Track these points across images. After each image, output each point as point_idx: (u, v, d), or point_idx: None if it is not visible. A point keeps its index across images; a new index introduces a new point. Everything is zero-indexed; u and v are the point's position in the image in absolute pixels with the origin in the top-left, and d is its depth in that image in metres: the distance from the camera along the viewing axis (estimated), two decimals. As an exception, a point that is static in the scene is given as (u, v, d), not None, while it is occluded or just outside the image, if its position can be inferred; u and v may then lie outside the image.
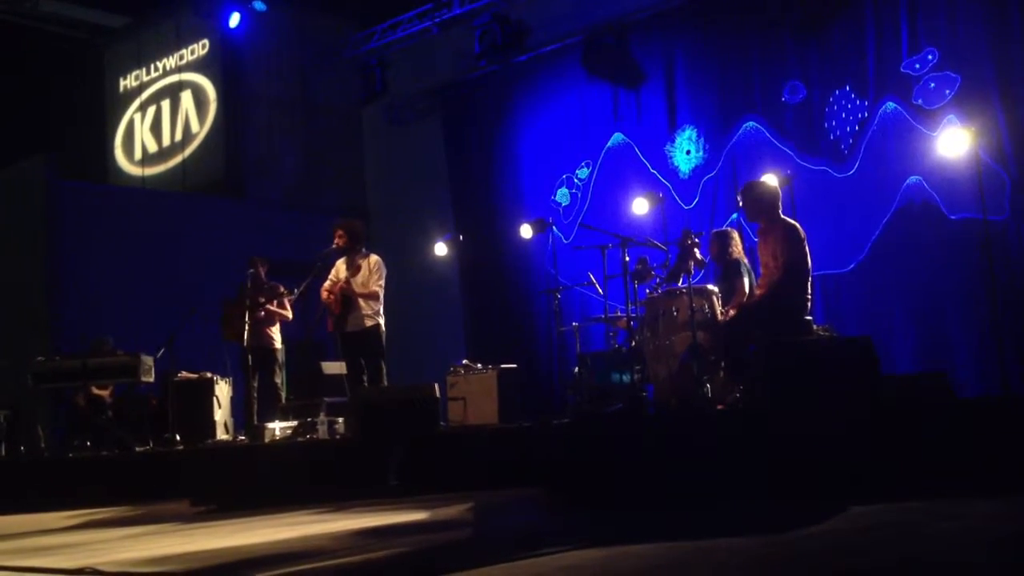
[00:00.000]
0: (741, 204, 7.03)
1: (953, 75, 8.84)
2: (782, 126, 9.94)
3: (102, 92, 16.17)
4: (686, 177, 10.65)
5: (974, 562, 3.16)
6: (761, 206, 6.80)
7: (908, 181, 9.07)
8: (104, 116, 16.11)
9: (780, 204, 6.86)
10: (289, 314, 9.37)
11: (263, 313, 9.16)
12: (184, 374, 9.53)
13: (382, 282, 8.33)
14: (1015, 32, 8.56)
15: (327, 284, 8.42)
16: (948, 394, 6.53)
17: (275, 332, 9.36)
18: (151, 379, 9.62)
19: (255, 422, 8.55)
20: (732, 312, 7.12)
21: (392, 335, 8.54)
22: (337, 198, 14.28)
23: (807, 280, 6.66)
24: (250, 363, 8.88)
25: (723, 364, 6.91)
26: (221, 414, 9.47)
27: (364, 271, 8.31)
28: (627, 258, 7.57)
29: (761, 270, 6.89)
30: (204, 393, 9.38)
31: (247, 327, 8.67)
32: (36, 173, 12.34)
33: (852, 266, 9.40)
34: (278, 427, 7.98)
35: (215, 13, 13.66)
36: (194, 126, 14.79)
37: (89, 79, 16.03)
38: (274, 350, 9.29)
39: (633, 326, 7.96)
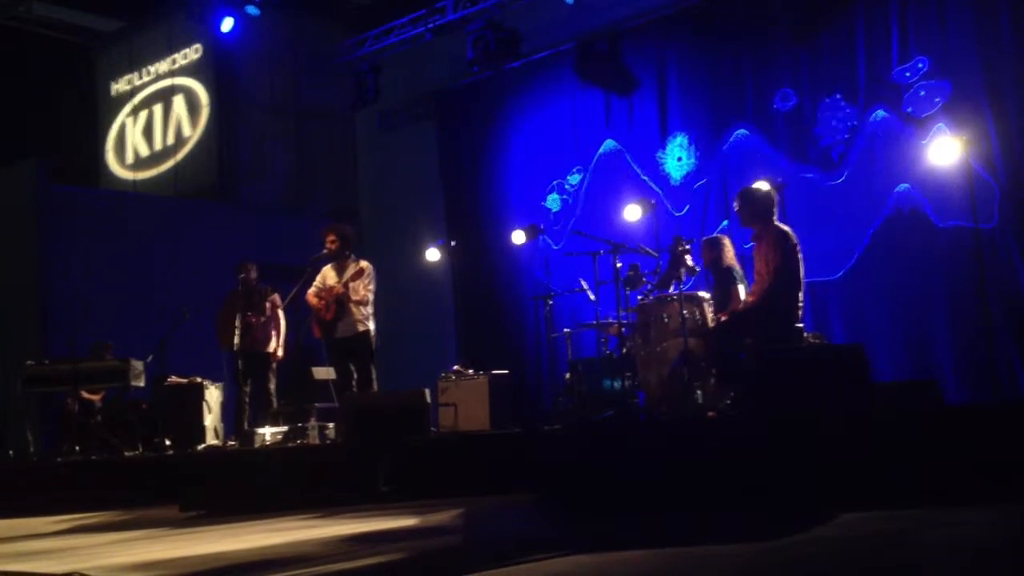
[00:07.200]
0: (737, 209, 6.96)
1: (943, 83, 8.88)
2: (773, 134, 9.96)
3: (94, 96, 16.13)
4: (677, 184, 10.66)
5: (965, 570, 3.17)
6: (755, 211, 6.78)
7: (898, 189, 9.10)
8: (96, 120, 16.07)
9: (775, 210, 6.86)
10: (282, 318, 9.34)
11: (258, 319, 9.12)
12: (174, 379, 9.51)
13: (373, 287, 8.33)
14: (1006, 41, 8.61)
15: (313, 289, 8.37)
16: (939, 401, 6.56)
17: (272, 336, 9.30)
18: (141, 384, 9.61)
19: (245, 427, 8.53)
20: (724, 319, 7.12)
21: (383, 340, 8.53)
22: (329, 203, 14.28)
23: (798, 287, 6.65)
24: (241, 368, 8.85)
25: (714, 371, 6.91)
26: (211, 419, 9.45)
27: (357, 277, 8.29)
28: (618, 264, 7.58)
29: (754, 277, 6.89)
30: (194, 398, 9.37)
31: (237, 332, 8.64)
32: (27, 177, 12.31)
33: (841, 273, 9.41)
34: (268, 432, 7.97)
35: (208, 18, 13.62)
36: (186, 130, 14.77)
37: (81, 83, 15.99)
38: (269, 355, 9.24)
39: (624, 333, 7.96)
